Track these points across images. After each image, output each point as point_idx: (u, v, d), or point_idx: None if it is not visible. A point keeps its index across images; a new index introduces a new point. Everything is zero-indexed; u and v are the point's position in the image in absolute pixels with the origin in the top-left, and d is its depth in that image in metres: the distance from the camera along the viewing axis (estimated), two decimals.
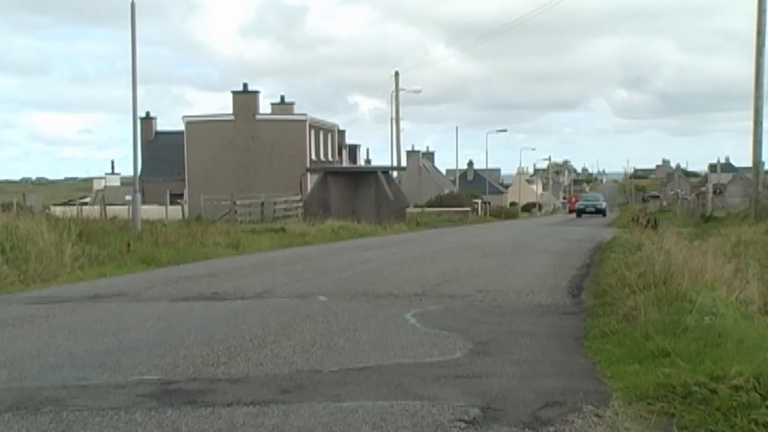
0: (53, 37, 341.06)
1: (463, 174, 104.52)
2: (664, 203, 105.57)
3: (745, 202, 44.63)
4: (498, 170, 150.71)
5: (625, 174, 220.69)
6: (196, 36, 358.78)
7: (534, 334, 8.95)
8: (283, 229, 30.30)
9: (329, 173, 45.10)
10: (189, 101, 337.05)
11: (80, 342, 8.52)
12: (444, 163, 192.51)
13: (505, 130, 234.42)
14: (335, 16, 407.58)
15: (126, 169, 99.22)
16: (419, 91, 75.00)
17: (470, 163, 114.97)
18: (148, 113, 66.28)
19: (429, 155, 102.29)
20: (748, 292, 9.80)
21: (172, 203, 45.67)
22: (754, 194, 32.67)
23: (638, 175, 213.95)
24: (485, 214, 75.63)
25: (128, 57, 26.36)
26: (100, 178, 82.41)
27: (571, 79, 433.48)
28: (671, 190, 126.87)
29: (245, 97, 56.42)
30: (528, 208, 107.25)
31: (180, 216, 42.41)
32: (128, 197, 33.36)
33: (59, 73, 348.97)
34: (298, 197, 47.76)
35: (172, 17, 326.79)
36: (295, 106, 60.71)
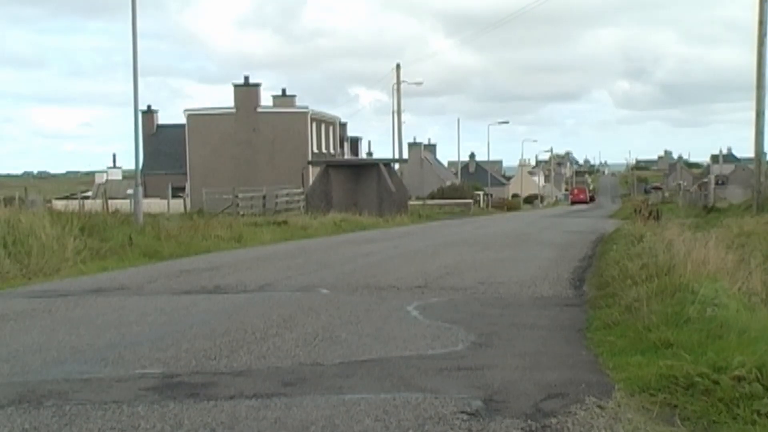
0: (49, 30, 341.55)
1: (465, 166, 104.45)
2: (666, 194, 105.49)
3: (748, 193, 44.57)
4: (500, 162, 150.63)
5: (627, 165, 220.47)
6: (194, 28, 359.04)
7: (536, 326, 8.95)
8: (285, 222, 30.31)
9: (331, 166, 45.08)
10: (188, 94, 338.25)
11: (82, 336, 8.52)
12: (446, 155, 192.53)
13: (506, 122, 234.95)
14: (333, 8, 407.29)
15: (128, 162, 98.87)
16: (420, 84, 75.10)
17: (472, 155, 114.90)
18: (149, 107, 66.27)
19: (431, 147, 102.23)
20: (751, 283, 9.78)
21: (173, 197, 45.69)
22: (756, 185, 32.62)
23: (640, 166, 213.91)
24: (487, 206, 75.63)
25: (125, 50, 26.63)
26: (102, 171, 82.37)
27: (572, 70, 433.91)
28: (673, 182, 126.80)
29: (246, 90, 56.35)
30: (530, 200, 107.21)
31: (182, 209, 42.47)
32: (130, 191, 33.40)
33: (56, 66, 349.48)
34: (300, 190, 47.76)
35: (169, 10, 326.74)
36: (296, 99, 60.67)
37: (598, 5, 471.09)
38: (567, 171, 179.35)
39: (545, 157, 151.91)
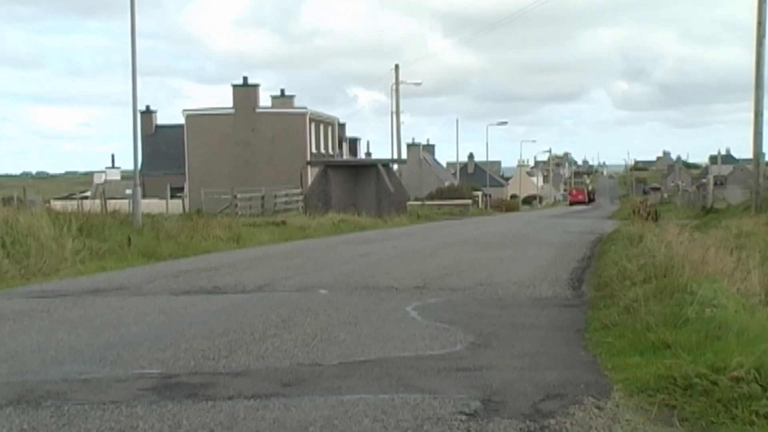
0: (47, 29, 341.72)
1: (464, 166, 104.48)
2: (665, 195, 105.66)
3: (746, 194, 44.59)
4: (498, 163, 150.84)
5: (626, 166, 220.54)
6: (192, 28, 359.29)
7: (535, 326, 8.95)
8: (283, 223, 30.31)
9: (330, 166, 45.06)
10: (186, 94, 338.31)
11: (81, 336, 8.52)
12: (444, 155, 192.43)
13: (505, 123, 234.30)
14: (332, 8, 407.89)
15: (126, 162, 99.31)
16: (419, 84, 75.22)
17: (471, 156, 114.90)
18: (148, 107, 66.25)
19: (429, 148, 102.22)
20: (749, 283, 9.78)
21: (172, 197, 45.72)
22: (754, 186, 32.62)
23: (639, 167, 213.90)
24: (486, 206, 75.67)
25: (124, 50, 26.58)
26: (101, 172, 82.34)
27: (571, 70, 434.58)
28: (672, 182, 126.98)
29: (245, 91, 56.31)
30: (528, 200, 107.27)
31: (181, 210, 42.45)
32: (129, 191, 33.28)
33: (55, 66, 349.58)
34: (299, 190, 47.74)
35: (167, 9, 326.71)
36: (294, 99, 60.67)
37: (597, 5, 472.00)
38: (565, 172, 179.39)
39: (544, 157, 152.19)
